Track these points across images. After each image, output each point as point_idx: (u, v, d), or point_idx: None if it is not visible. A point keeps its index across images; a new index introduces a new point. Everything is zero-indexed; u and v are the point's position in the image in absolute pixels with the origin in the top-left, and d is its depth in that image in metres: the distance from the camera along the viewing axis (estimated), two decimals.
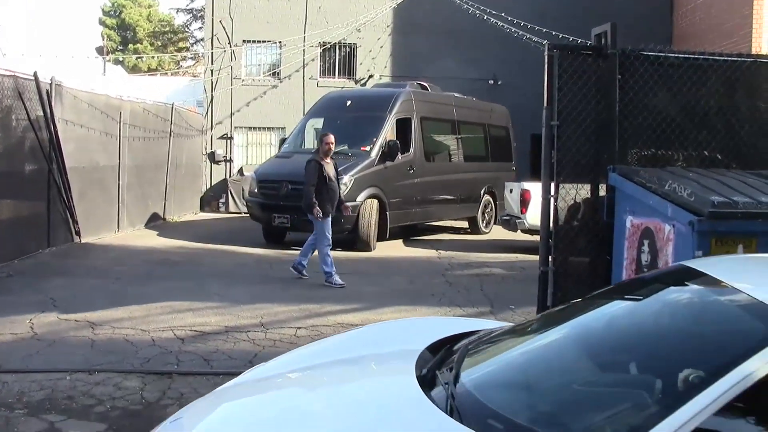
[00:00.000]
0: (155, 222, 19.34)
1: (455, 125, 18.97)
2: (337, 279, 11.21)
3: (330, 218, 11.48)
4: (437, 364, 3.52)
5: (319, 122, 17.50)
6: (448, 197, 18.23)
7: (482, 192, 19.18)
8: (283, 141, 18.39)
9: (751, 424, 2.70)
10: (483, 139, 20.20)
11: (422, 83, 19.11)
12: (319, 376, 3.73)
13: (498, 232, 18.27)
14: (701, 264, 3.90)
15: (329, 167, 11.55)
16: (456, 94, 19.58)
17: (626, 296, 4.02)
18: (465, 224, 20.00)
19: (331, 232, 11.52)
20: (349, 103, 17.41)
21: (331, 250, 11.44)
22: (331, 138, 11.74)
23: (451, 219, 19.55)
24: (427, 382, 3.28)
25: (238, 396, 3.69)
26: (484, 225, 19.49)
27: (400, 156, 16.08)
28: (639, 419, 2.65)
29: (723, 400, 2.56)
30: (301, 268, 11.63)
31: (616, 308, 3.87)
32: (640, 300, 3.87)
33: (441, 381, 3.27)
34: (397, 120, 16.71)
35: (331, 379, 3.69)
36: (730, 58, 8.98)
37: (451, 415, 2.93)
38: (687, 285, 3.68)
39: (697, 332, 3.36)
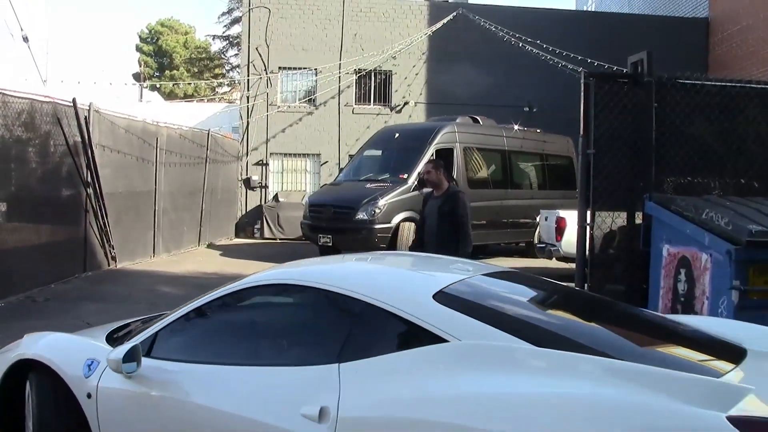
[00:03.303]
0: (191, 247, 19.48)
1: (505, 155, 19.55)
2: None
3: None
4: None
5: (374, 153, 19.09)
6: (496, 222, 18.47)
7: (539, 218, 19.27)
8: (341, 170, 20.50)
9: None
10: (540, 167, 20.85)
11: (474, 117, 19.65)
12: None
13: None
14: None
15: (435, 202, 8.87)
16: (516, 127, 19.82)
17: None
18: (523, 248, 20.32)
19: None
20: (397, 135, 18.71)
21: None
22: (427, 166, 9.40)
23: (501, 242, 19.89)
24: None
25: None
26: None
27: None
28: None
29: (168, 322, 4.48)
30: None
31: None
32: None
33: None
34: (437, 150, 17.44)
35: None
36: (767, 86, 8.90)
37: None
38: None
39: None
